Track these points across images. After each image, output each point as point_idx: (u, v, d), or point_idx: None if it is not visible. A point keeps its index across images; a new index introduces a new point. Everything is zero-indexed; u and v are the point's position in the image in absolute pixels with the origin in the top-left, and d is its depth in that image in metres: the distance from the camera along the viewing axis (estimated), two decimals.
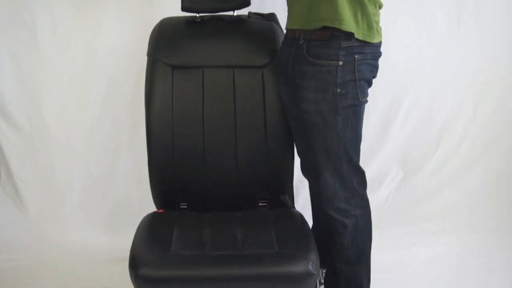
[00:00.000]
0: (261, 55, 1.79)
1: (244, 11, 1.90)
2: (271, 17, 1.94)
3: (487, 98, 2.51)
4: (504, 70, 2.49)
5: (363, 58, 1.53)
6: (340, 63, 1.50)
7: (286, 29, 1.67)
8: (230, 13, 1.87)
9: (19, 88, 2.37)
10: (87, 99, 2.38)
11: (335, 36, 1.50)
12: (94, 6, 2.31)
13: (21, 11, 2.29)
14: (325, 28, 1.50)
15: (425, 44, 2.42)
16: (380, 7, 1.57)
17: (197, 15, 1.86)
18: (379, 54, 1.60)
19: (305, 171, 1.79)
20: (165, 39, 1.81)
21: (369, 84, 1.59)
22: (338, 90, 1.51)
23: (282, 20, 1.80)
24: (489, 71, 2.48)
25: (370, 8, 1.51)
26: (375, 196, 2.42)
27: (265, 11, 1.97)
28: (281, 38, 1.80)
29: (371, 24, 1.52)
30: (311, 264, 1.40)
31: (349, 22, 1.48)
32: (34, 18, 2.30)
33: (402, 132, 2.52)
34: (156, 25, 1.87)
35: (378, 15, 1.56)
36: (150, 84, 1.78)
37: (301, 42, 1.56)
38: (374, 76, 1.61)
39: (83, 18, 2.31)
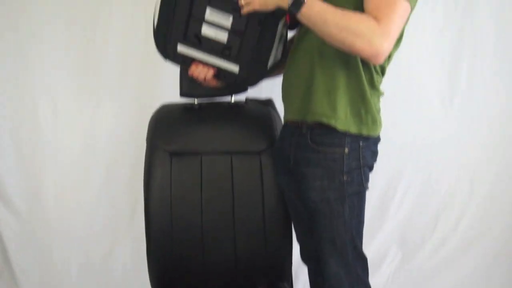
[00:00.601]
0: (259, 141, 1.82)
1: (241, 96, 1.94)
2: (269, 102, 1.98)
3: (483, 177, 2.52)
4: (499, 148, 2.51)
5: (367, 145, 1.55)
6: (346, 150, 1.51)
7: (285, 120, 1.69)
8: (228, 98, 1.92)
9: (19, 171, 2.37)
10: (86, 183, 2.39)
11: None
12: (94, 91, 2.36)
13: (23, 94, 2.34)
14: None
15: (419, 125, 2.46)
16: (381, 95, 1.60)
17: (195, 101, 1.90)
18: (379, 140, 1.62)
19: (305, 258, 1.77)
20: (164, 126, 1.84)
21: (371, 169, 1.60)
22: (345, 178, 1.51)
23: (279, 104, 1.84)
24: (484, 150, 2.50)
25: (373, 102, 1.53)
26: (375, 277, 2.38)
27: (263, 96, 2.02)
28: (279, 124, 1.83)
29: (375, 119, 1.54)
30: None
31: (346, 120, 1.50)
32: (35, 102, 2.34)
33: (399, 213, 2.51)
34: (155, 112, 1.91)
35: (379, 103, 1.59)
36: (148, 170, 1.80)
37: (304, 131, 1.56)
38: (375, 161, 1.62)
39: (83, 102, 2.36)
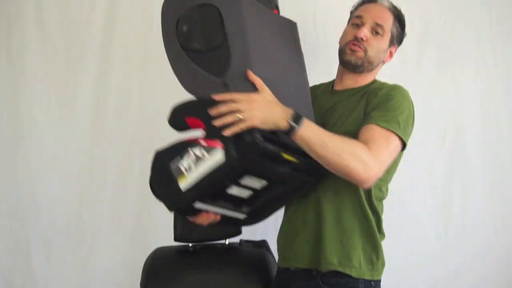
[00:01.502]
0: (253, 285, 1.79)
1: (236, 238, 1.95)
2: (263, 244, 1.98)
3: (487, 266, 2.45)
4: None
5: (376, 284, 1.59)
6: None
7: (284, 265, 1.68)
8: (222, 240, 1.92)
9: None
10: None
11: None
12: (85, 238, 2.35)
13: (18, 236, 2.34)
14: None
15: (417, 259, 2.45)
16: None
17: (190, 244, 1.90)
18: None
19: None
20: (158, 272, 1.82)
21: None
22: None
23: (274, 246, 1.84)
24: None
25: (381, 247, 1.59)
26: None
27: (257, 238, 2.02)
28: (273, 266, 1.82)
29: (383, 262, 1.59)
30: None
31: (360, 269, 1.55)
32: (28, 245, 2.33)
33: None
34: (150, 255, 1.90)
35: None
36: None
37: (314, 273, 1.57)
38: None
39: (75, 248, 2.35)
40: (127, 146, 2.37)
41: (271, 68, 1.49)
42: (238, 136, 1.33)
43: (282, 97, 1.42)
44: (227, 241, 1.93)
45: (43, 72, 2.37)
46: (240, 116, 1.31)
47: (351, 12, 1.77)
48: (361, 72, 1.69)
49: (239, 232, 1.90)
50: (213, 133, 1.35)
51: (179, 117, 1.46)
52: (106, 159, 2.37)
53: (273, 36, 1.57)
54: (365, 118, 1.55)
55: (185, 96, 1.47)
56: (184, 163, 1.38)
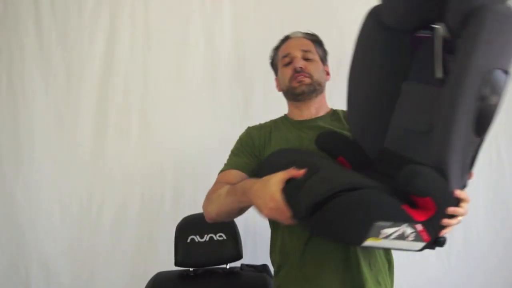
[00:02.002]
0: None
1: (237, 262, 1.94)
2: (264, 268, 1.97)
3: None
4: None
5: None
6: None
7: None
8: (223, 265, 1.91)
9: None
10: None
11: None
12: (87, 261, 2.34)
13: (17, 264, 2.33)
14: None
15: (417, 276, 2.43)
16: None
17: (191, 269, 1.90)
18: None
19: None
20: None
21: None
22: None
23: None
24: None
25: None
26: None
27: (258, 262, 2.01)
28: None
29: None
30: None
31: None
32: (28, 271, 2.32)
33: None
34: (150, 280, 1.89)
35: None
36: None
37: None
38: None
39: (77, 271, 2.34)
40: (127, 171, 2.37)
41: None
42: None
43: None
44: (228, 266, 1.93)
45: (43, 99, 2.38)
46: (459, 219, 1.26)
47: (272, 59, 1.80)
48: (316, 96, 1.71)
49: (240, 257, 1.89)
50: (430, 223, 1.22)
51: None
52: (107, 183, 2.37)
53: None
54: None
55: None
56: (389, 231, 1.21)
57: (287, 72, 1.71)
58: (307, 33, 1.78)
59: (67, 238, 2.35)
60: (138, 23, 2.41)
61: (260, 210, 1.29)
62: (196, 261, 1.87)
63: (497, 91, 1.18)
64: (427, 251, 1.28)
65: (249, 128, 1.75)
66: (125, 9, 2.41)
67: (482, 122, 1.22)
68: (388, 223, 1.18)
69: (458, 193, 1.23)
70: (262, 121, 1.78)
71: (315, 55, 1.73)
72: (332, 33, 2.23)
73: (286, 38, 1.78)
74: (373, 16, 1.41)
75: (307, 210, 1.17)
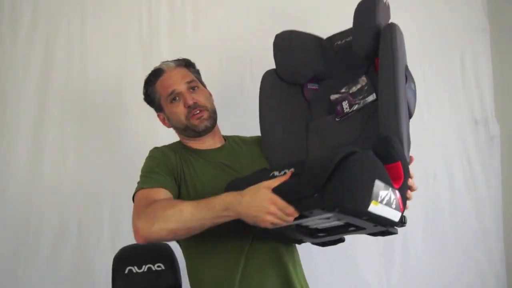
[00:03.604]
0: None
1: None
2: None
3: None
4: None
5: None
6: None
7: None
8: None
9: None
10: None
11: None
12: None
13: None
14: None
15: None
16: None
17: None
18: None
19: None
20: None
21: None
22: None
23: None
24: None
25: None
26: None
27: None
28: None
29: None
30: None
31: None
32: None
33: None
34: None
35: None
36: None
37: None
38: None
39: None
40: (64, 205, 2.32)
41: None
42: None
43: None
44: None
45: None
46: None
47: (149, 98, 1.77)
48: (215, 125, 1.73)
49: (179, 286, 1.84)
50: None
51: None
52: (43, 212, 2.30)
53: None
54: None
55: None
56: (383, 194, 1.29)
57: (179, 110, 1.67)
58: (177, 60, 1.75)
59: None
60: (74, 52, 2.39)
61: (260, 219, 1.30)
62: None
63: (413, 80, 1.56)
64: None
65: (160, 148, 1.70)
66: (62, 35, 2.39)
67: (412, 103, 1.56)
68: (382, 184, 1.28)
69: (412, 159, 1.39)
70: None
71: (196, 82, 1.72)
72: None
73: (160, 72, 1.73)
74: (272, 74, 1.80)
75: (318, 186, 1.23)
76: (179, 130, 1.73)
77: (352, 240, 2.36)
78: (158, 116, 1.78)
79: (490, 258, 2.56)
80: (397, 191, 1.34)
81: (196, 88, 1.70)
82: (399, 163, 1.35)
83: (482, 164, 2.61)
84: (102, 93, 2.37)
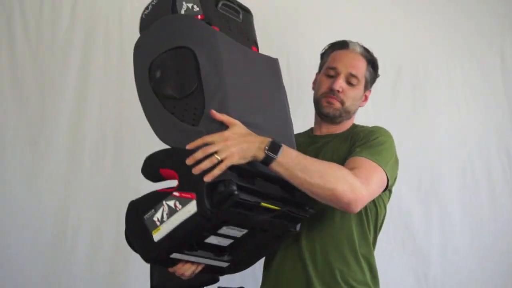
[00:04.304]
0: None
1: (213, 286, 1.90)
2: None
3: None
4: None
5: None
6: None
7: None
8: None
9: None
10: None
11: None
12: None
13: None
14: None
15: None
16: None
17: None
18: None
19: None
20: None
21: None
22: None
23: None
24: None
25: None
26: None
27: (235, 285, 1.97)
28: None
29: None
30: None
31: None
32: None
33: None
34: None
35: None
36: None
37: None
38: None
39: None
40: (102, 196, 2.34)
41: (252, 110, 1.46)
42: (212, 188, 1.28)
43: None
44: None
45: (16, 119, 2.34)
46: (218, 157, 1.27)
47: (322, 56, 1.80)
48: (341, 122, 1.72)
49: (216, 280, 1.85)
50: (187, 185, 1.31)
51: (153, 168, 1.43)
52: (81, 210, 2.32)
53: (253, 74, 1.53)
54: (350, 154, 1.55)
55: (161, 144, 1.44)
56: (158, 215, 1.34)
57: (325, 84, 1.70)
58: (365, 50, 1.74)
59: (39, 268, 2.28)
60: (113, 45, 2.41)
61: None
62: (172, 285, 1.82)
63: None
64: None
65: None
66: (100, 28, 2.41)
67: None
68: (151, 211, 1.35)
69: (213, 113, 1.32)
70: None
71: (360, 81, 1.70)
72: None
73: (344, 46, 1.74)
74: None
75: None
76: (313, 99, 1.77)
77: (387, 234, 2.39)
78: (315, 75, 1.83)
79: None
80: (175, 191, 1.33)
81: (352, 85, 1.69)
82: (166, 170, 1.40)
83: None
84: None
